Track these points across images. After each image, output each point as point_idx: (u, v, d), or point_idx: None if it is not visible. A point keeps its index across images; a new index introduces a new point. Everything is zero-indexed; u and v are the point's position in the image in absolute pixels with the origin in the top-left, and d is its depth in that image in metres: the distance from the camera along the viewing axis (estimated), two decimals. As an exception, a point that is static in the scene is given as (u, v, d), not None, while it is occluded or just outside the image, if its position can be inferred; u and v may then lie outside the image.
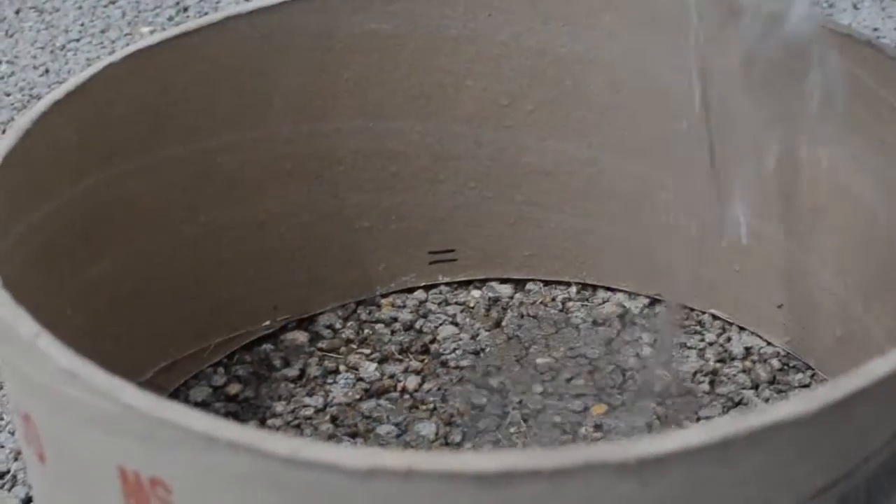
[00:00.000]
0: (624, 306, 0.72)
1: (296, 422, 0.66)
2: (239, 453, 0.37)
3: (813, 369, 0.67)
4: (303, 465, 0.36)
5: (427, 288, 0.74)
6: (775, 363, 0.68)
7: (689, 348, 0.69)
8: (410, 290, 0.74)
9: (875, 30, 1.01)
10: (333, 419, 0.65)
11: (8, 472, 0.65)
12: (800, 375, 0.67)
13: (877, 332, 0.62)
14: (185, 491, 0.39)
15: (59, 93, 0.58)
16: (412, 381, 0.68)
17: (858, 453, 0.40)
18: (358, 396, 0.67)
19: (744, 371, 0.67)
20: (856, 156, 0.61)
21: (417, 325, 0.72)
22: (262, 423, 0.65)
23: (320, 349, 0.70)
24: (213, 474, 0.38)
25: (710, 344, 0.69)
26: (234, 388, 0.68)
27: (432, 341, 0.70)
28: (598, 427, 0.64)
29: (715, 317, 0.71)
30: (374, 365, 0.69)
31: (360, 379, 0.68)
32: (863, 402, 0.39)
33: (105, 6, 1.11)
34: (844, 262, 0.64)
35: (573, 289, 0.74)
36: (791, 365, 0.68)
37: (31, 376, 0.43)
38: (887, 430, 0.41)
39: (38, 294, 0.55)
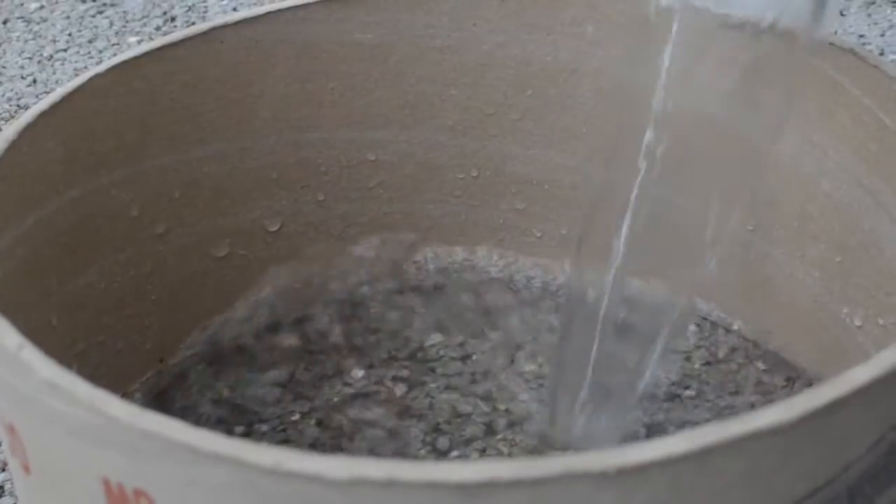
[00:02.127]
0: (610, 313, 0.72)
1: (282, 426, 0.66)
2: (222, 465, 0.37)
3: (798, 374, 0.67)
4: (285, 475, 0.36)
5: (414, 294, 0.74)
6: (761, 366, 0.68)
7: (675, 352, 0.69)
8: (399, 292, 0.74)
9: (861, 36, 1.01)
10: (320, 423, 0.66)
11: (-5, 482, 0.65)
12: (785, 380, 0.67)
13: (861, 338, 0.63)
14: (169, 502, 0.39)
15: (44, 104, 0.58)
16: (399, 388, 0.68)
17: (840, 461, 0.40)
18: (345, 402, 0.67)
19: (729, 375, 0.67)
20: (839, 163, 0.61)
21: (405, 332, 0.72)
22: (249, 426, 0.66)
23: (308, 353, 0.70)
24: (196, 486, 0.38)
25: (696, 347, 0.70)
26: (222, 392, 0.68)
27: (419, 348, 0.71)
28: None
29: (701, 320, 0.71)
30: (362, 370, 0.69)
31: (347, 384, 0.68)
32: (844, 409, 0.39)
33: (93, 16, 1.11)
34: (828, 269, 0.64)
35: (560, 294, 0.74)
36: (777, 369, 0.68)
37: (15, 388, 0.43)
38: (869, 438, 0.41)
39: (23, 305, 0.56)
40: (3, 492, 0.64)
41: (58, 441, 0.42)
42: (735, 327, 0.70)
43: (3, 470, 0.66)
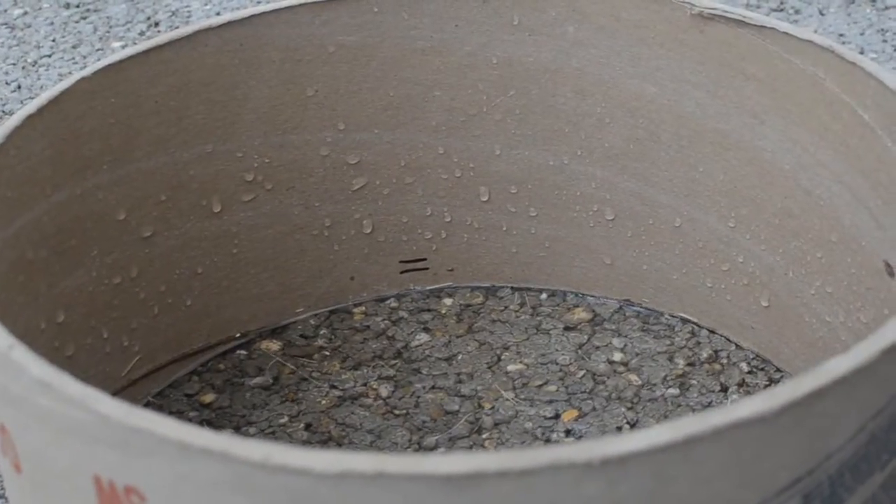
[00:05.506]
0: (594, 311, 0.73)
1: (270, 429, 0.66)
2: (213, 460, 0.38)
3: (782, 372, 0.68)
4: (275, 469, 0.37)
5: (399, 296, 0.75)
6: (744, 367, 0.69)
7: (659, 352, 0.70)
8: (383, 299, 0.75)
9: (841, 35, 1.02)
10: (307, 426, 0.66)
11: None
12: (768, 379, 0.68)
13: (844, 334, 0.63)
14: (160, 498, 0.40)
15: (31, 107, 0.58)
16: (385, 388, 0.68)
17: (821, 451, 0.41)
18: (331, 404, 0.67)
19: (713, 374, 0.68)
20: (818, 159, 0.62)
21: (390, 333, 0.72)
22: (237, 430, 0.66)
23: (294, 357, 0.71)
24: (187, 481, 0.39)
25: (680, 348, 0.70)
26: (207, 397, 0.69)
27: (405, 348, 0.71)
28: (569, 432, 0.65)
29: (684, 320, 0.72)
30: (348, 372, 0.70)
31: (334, 386, 0.69)
32: (824, 399, 0.39)
33: (76, 22, 1.12)
34: (810, 266, 0.64)
35: (543, 295, 0.74)
36: (760, 368, 0.68)
37: (5, 387, 0.43)
38: (850, 428, 0.41)
39: (12, 307, 0.56)
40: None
41: (49, 439, 0.42)
42: (718, 329, 0.71)
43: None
